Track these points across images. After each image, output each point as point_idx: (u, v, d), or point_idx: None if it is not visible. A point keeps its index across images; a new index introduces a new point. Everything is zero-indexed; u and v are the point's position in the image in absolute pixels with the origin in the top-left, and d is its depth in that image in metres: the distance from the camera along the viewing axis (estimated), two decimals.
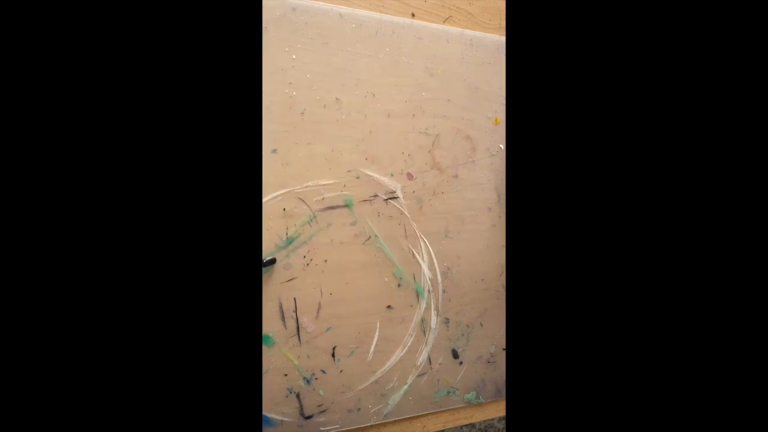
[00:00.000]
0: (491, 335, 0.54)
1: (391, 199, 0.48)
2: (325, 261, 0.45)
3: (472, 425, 0.56)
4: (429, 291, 0.50)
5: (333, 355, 0.46)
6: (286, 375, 0.44)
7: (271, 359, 0.43)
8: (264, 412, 0.43)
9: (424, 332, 0.51)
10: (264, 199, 0.43)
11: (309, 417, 0.46)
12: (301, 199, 0.44)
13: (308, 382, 0.45)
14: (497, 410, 0.57)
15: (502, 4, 0.53)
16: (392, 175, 0.48)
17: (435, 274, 0.51)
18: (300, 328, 0.44)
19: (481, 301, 0.53)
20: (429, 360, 0.51)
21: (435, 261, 0.50)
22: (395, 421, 0.50)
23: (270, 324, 0.43)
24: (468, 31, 0.50)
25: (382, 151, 0.47)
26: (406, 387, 0.50)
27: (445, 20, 0.49)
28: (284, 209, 0.44)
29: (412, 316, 0.50)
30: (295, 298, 0.44)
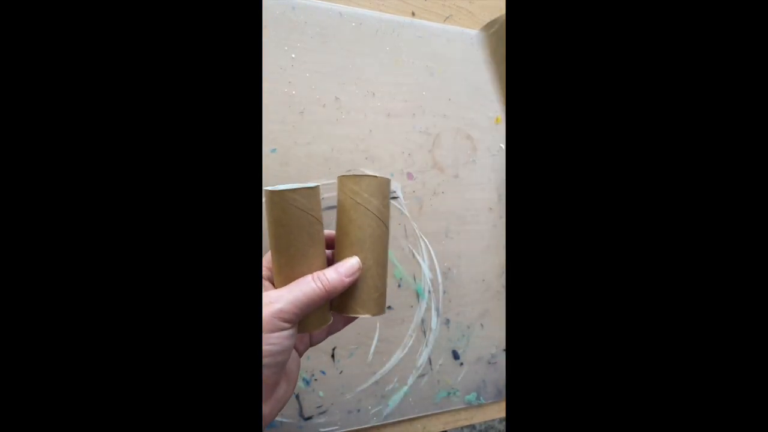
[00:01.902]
0: (492, 336, 0.54)
1: (391, 198, 0.47)
2: None
3: (473, 426, 0.56)
4: (429, 291, 0.50)
5: (332, 356, 0.46)
6: None
7: None
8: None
9: (425, 333, 0.50)
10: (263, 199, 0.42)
11: (308, 418, 0.45)
12: None
13: (307, 383, 0.45)
14: (498, 411, 0.56)
15: (503, 3, 0.53)
16: (392, 174, 0.48)
17: (435, 275, 0.50)
18: None
19: (482, 301, 0.53)
20: (429, 361, 0.51)
21: (435, 261, 0.50)
22: (395, 422, 0.50)
23: None
24: (469, 30, 0.49)
25: (382, 151, 0.47)
26: (406, 388, 0.50)
27: (446, 19, 0.49)
28: None
29: (412, 316, 0.50)
30: None
